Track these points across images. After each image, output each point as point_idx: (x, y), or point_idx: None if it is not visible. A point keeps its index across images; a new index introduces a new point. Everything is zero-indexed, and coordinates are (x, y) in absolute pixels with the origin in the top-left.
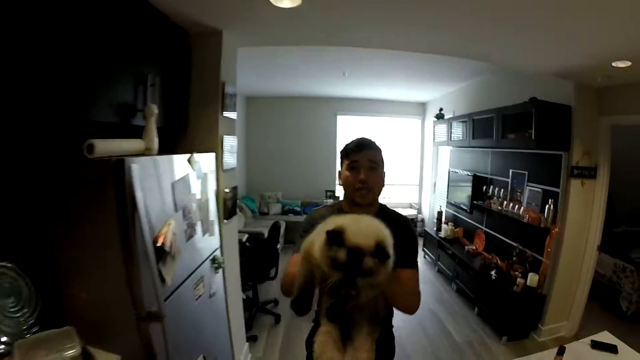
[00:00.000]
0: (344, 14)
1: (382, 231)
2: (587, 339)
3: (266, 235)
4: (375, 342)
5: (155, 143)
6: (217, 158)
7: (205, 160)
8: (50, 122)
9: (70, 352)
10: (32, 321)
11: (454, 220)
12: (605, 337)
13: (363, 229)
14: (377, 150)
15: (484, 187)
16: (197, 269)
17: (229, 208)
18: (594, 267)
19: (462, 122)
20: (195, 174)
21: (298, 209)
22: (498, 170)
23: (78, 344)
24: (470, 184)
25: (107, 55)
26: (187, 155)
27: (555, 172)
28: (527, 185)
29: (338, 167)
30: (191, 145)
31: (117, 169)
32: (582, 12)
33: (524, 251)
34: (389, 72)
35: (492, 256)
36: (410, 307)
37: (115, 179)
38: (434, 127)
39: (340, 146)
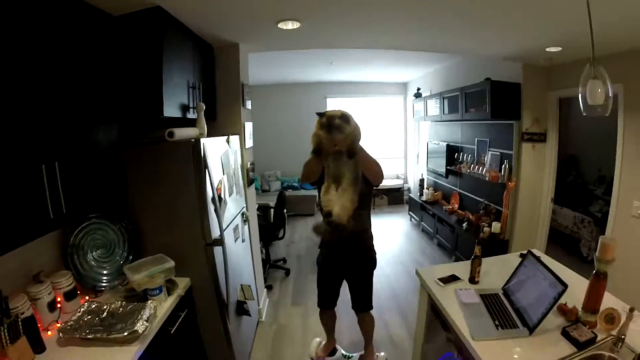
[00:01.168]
0: (337, 30)
1: (346, 111)
2: (517, 253)
3: (272, 205)
4: (354, 205)
5: (205, 129)
6: (240, 139)
7: (234, 141)
8: (141, 120)
9: (167, 264)
10: (125, 254)
11: (434, 186)
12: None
13: (335, 110)
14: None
15: (456, 155)
16: (235, 217)
17: (250, 177)
18: (549, 215)
19: (436, 99)
20: (231, 150)
21: (296, 184)
22: (467, 140)
23: (171, 261)
24: (444, 153)
25: (172, 73)
26: (225, 137)
27: (509, 138)
28: (489, 150)
29: None
30: (220, 130)
31: (196, 145)
32: (517, 11)
33: (489, 205)
34: (372, 58)
35: (465, 212)
36: (377, 175)
37: (194, 152)
38: (413, 105)
39: None
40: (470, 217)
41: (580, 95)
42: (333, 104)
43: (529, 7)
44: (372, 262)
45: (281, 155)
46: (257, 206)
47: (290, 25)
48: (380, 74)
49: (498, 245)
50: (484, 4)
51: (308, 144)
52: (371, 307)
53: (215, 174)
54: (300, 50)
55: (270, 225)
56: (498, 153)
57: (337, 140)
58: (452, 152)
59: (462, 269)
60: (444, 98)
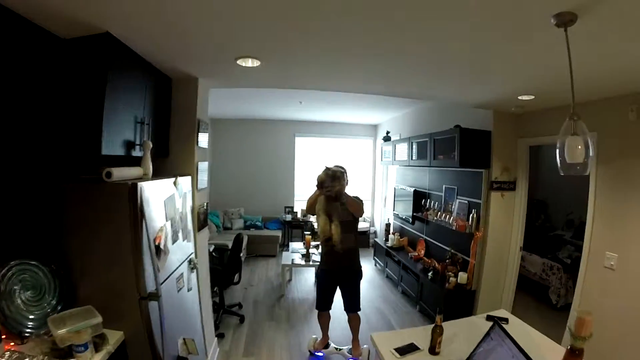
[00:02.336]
0: (299, 71)
1: (336, 172)
2: (485, 314)
3: (230, 246)
4: (349, 237)
5: (150, 170)
6: (192, 180)
7: (185, 182)
8: (75, 156)
9: (94, 320)
10: (54, 302)
11: (400, 231)
12: (502, 313)
13: (328, 171)
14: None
15: (423, 201)
16: (179, 266)
17: (201, 221)
18: (518, 264)
19: (404, 143)
20: (178, 193)
21: (259, 224)
22: (434, 186)
23: (99, 316)
24: (411, 198)
25: (117, 106)
26: (173, 179)
27: (478, 187)
28: (457, 198)
29: (297, 185)
30: (172, 169)
31: (132, 189)
32: (493, 65)
33: (455, 254)
34: (342, 100)
35: (431, 260)
36: (357, 211)
37: (131, 196)
38: (381, 148)
39: (298, 165)
40: (437, 265)
41: (557, 151)
42: (302, 143)
43: (506, 59)
44: (359, 272)
45: (245, 192)
46: (212, 247)
47: (250, 63)
48: (351, 115)
49: (464, 296)
50: (457, 56)
51: (274, 183)
52: (359, 309)
53: (156, 221)
54: (263, 88)
55: (225, 270)
56: (466, 201)
57: (326, 192)
58: (419, 198)
59: (423, 335)
60: (412, 143)
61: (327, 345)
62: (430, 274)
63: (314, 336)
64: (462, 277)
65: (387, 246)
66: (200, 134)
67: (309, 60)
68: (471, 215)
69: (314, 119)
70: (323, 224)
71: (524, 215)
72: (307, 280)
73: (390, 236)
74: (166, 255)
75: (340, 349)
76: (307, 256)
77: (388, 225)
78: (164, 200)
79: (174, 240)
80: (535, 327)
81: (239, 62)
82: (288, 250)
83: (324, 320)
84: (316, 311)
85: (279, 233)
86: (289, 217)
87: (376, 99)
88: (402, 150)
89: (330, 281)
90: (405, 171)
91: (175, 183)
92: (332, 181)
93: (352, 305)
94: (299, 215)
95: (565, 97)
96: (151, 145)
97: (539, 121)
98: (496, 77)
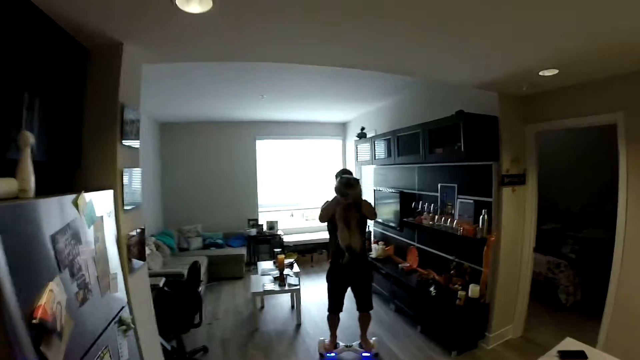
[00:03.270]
0: (261, 23)
1: (350, 179)
2: (554, 351)
3: (186, 275)
4: (360, 239)
5: (31, 182)
6: (116, 196)
7: (101, 200)
8: None
9: None
10: None
11: (384, 239)
12: (570, 344)
13: (349, 177)
14: (350, 174)
15: (413, 204)
16: (98, 338)
17: (135, 254)
18: (532, 268)
19: (386, 139)
20: (85, 219)
21: (220, 241)
22: (426, 186)
23: None
24: (398, 201)
25: None
26: (73, 196)
27: (486, 182)
28: (458, 198)
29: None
30: (86, 182)
31: None
32: (515, 23)
33: (461, 263)
34: (307, 93)
35: (428, 271)
36: (369, 213)
37: None
38: (356, 147)
39: (261, 172)
40: (437, 277)
41: None
42: (264, 147)
43: (532, 17)
44: (371, 271)
45: (203, 206)
46: (163, 281)
47: (196, 6)
48: (317, 112)
49: (477, 312)
50: (474, 15)
51: (236, 194)
52: (372, 307)
53: (30, 278)
54: (220, 67)
55: (182, 309)
56: (471, 201)
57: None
58: (407, 201)
59: None
60: (397, 137)
61: (336, 345)
62: (432, 288)
63: (322, 338)
64: (474, 289)
65: (370, 258)
66: (126, 126)
67: (289, 17)
68: (482, 216)
69: (276, 118)
70: (343, 233)
71: (536, 211)
72: (282, 307)
73: (374, 246)
74: (62, 337)
75: (350, 346)
76: (281, 280)
77: (368, 233)
78: (52, 235)
79: (83, 301)
80: (558, 335)
81: (178, 2)
82: (256, 271)
83: (335, 322)
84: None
85: (243, 250)
86: (253, 232)
87: (346, 91)
88: (382, 147)
89: (343, 283)
90: (385, 171)
91: (77, 202)
92: (348, 189)
93: (365, 303)
94: (264, 228)
95: (590, 72)
96: (31, 140)
97: (550, 103)
98: (523, 45)
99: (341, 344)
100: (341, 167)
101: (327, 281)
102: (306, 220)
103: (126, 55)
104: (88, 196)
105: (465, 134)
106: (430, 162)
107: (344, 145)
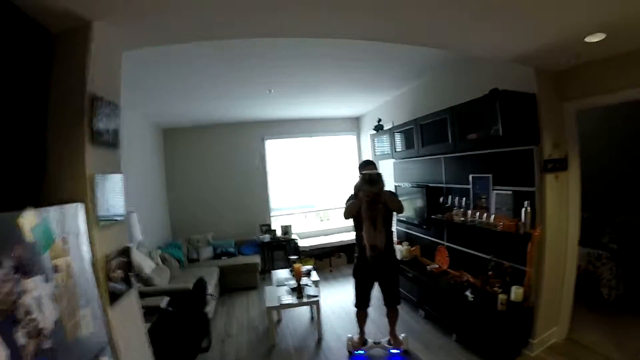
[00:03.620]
0: None
1: (372, 174)
2: None
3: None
4: (386, 235)
5: None
6: (88, 209)
7: (66, 216)
8: None
9: None
10: None
11: (408, 239)
12: None
13: (372, 171)
14: (373, 164)
15: (441, 199)
16: None
17: (118, 279)
18: (576, 263)
19: (406, 130)
20: (37, 244)
21: (232, 249)
22: (455, 178)
23: None
24: (423, 197)
25: None
26: (12, 215)
27: (526, 170)
28: (494, 189)
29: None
30: (52, 193)
31: None
32: None
33: (501, 263)
34: (317, 85)
35: (460, 273)
36: (395, 207)
37: None
38: (373, 141)
39: (271, 174)
40: (470, 279)
41: None
42: (272, 146)
43: None
44: (398, 266)
45: (212, 213)
46: (165, 302)
47: None
48: (328, 107)
49: (521, 317)
50: None
51: (246, 198)
52: (399, 302)
53: None
54: (222, 60)
55: (185, 336)
56: (509, 192)
57: (373, 191)
58: (434, 196)
59: None
60: (420, 126)
61: (364, 342)
62: (469, 293)
63: (350, 335)
64: (517, 292)
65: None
66: (99, 122)
67: None
68: (524, 209)
69: (284, 116)
70: (369, 233)
71: (579, 199)
72: (301, 319)
73: (398, 247)
74: None
75: (378, 342)
76: (298, 291)
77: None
78: None
79: (37, 354)
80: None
81: None
82: (271, 280)
83: (363, 318)
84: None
85: (257, 258)
86: (266, 238)
87: (359, 81)
88: (402, 139)
89: (369, 278)
90: (407, 165)
91: (17, 223)
92: (371, 185)
93: (393, 299)
94: (278, 233)
95: None
96: None
97: (591, 76)
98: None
99: (370, 340)
100: (362, 160)
101: (354, 277)
102: (321, 221)
103: (97, 37)
104: (39, 213)
105: (502, 115)
106: (461, 150)
107: (358, 141)
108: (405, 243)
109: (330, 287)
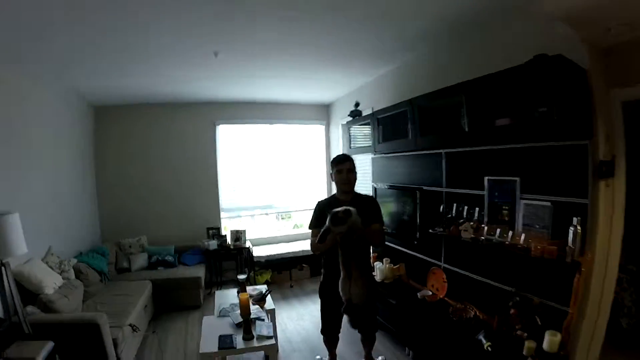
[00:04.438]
0: None
1: (338, 212)
2: None
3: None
4: (365, 284)
5: None
6: None
7: None
8: None
9: None
10: None
11: (388, 253)
12: None
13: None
14: (351, 161)
15: (441, 207)
16: None
17: None
18: (612, 294)
19: (396, 115)
20: None
21: (171, 258)
22: (461, 180)
23: None
24: (413, 204)
25: None
26: None
27: (576, 173)
28: (522, 199)
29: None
30: None
31: None
32: None
33: (528, 299)
34: (278, 54)
35: (465, 306)
36: (376, 242)
37: None
38: (348, 130)
39: (222, 163)
40: (480, 315)
41: None
42: (227, 135)
43: None
44: (376, 295)
45: (148, 213)
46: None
47: None
48: (292, 89)
49: None
50: None
51: (192, 195)
52: (376, 331)
53: None
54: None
55: None
56: (547, 203)
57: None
58: (429, 203)
59: None
60: (418, 109)
61: None
62: (482, 336)
63: (318, 357)
64: (553, 340)
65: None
66: None
67: None
68: (573, 228)
69: (240, 97)
70: (343, 281)
71: (623, 213)
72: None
73: (377, 264)
74: None
75: None
76: (246, 329)
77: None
78: None
79: None
80: None
81: None
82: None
83: (332, 342)
84: None
85: (200, 271)
86: (213, 244)
87: (333, 54)
88: (388, 127)
89: (339, 301)
90: (390, 161)
91: None
92: (337, 225)
93: (368, 328)
94: (228, 240)
95: None
96: None
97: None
98: None
99: None
100: (335, 156)
101: (320, 297)
102: (282, 219)
103: None
104: None
105: (554, 92)
106: (477, 142)
107: (327, 132)
108: (385, 260)
109: (290, 308)
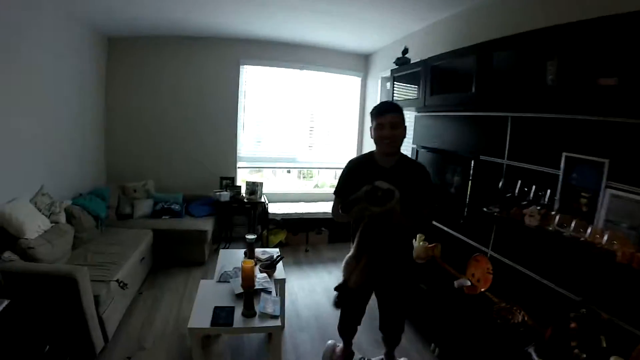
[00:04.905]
0: None
1: (379, 189)
2: None
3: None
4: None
5: None
6: None
7: None
8: None
9: None
10: None
11: (425, 230)
12: None
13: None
14: (397, 113)
15: (500, 183)
16: None
17: None
18: None
19: (454, 64)
20: None
21: (178, 207)
22: (530, 153)
23: None
24: (463, 175)
25: None
26: None
27: None
28: (608, 187)
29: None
30: None
31: None
32: None
33: (595, 313)
34: None
35: (513, 307)
36: (416, 231)
37: None
38: (392, 81)
39: (244, 108)
40: (528, 321)
41: None
42: (249, 74)
43: None
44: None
45: (157, 156)
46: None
47: None
48: (329, 30)
49: None
50: None
51: (207, 141)
52: (399, 340)
53: None
54: None
55: None
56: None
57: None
58: (485, 176)
59: None
60: (485, 57)
61: (350, 355)
62: (532, 350)
63: (331, 341)
64: None
65: None
66: None
67: None
68: None
69: (269, 35)
70: (347, 262)
71: None
72: (250, 339)
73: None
74: None
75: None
76: (247, 304)
77: None
78: None
79: None
80: None
81: None
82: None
83: (351, 329)
84: None
85: (208, 224)
86: (226, 196)
87: None
88: (441, 80)
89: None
90: (438, 121)
91: None
92: (375, 204)
93: (394, 328)
94: (242, 192)
95: None
96: None
97: None
98: None
99: (358, 355)
100: (378, 103)
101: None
102: (304, 178)
103: None
104: None
105: None
106: (572, 105)
107: (363, 86)
108: (420, 236)
109: (303, 276)
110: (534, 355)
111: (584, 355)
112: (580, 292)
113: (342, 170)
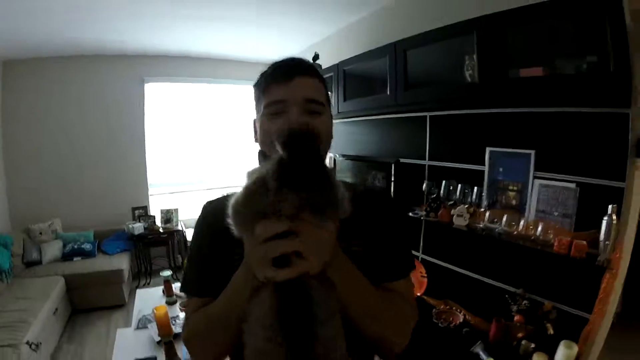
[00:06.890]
0: None
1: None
2: None
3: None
4: None
5: None
6: None
7: None
8: None
9: None
10: None
11: None
12: None
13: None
14: (317, 78)
15: (424, 185)
16: None
17: None
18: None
19: (370, 65)
20: None
21: (89, 246)
22: (452, 151)
23: None
24: (384, 179)
25: None
26: None
27: (610, 150)
28: (536, 178)
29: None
30: None
31: None
32: None
33: (538, 302)
34: None
35: (450, 307)
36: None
37: None
38: None
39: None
40: (470, 319)
41: None
42: (155, 93)
43: None
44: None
45: (63, 190)
46: None
47: None
48: (235, 41)
49: None
50: None
51: (113, 170)
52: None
53: None
54: None
55: None
56: (570, 185)
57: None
58: (406, 179)
59: None
60: (404, 55)
61: None
62: (480, 349)
63: None
64: (570, 354)
65: None
66: None
67: None
68: (607, 218)
69: (174, 49)
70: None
71: None
72: None
73: None
74: None
75: None
76: (170, 351)
77: None
78: None
79: None
80: None
81: None
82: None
83: None
84: None
85: (124, 261)
86: (140, 227)
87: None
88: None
89: None
90: (355, 128)
91: None
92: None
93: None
94: (157, 221)
95: None
96: None
97: None
98: None
99: None
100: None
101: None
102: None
103: None
104: None
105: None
106: (494, 99)
107: None
108: None
109: None
110: (482, 355)
111: (533, 345)
112: (519, 284)
113: (194, 228)
